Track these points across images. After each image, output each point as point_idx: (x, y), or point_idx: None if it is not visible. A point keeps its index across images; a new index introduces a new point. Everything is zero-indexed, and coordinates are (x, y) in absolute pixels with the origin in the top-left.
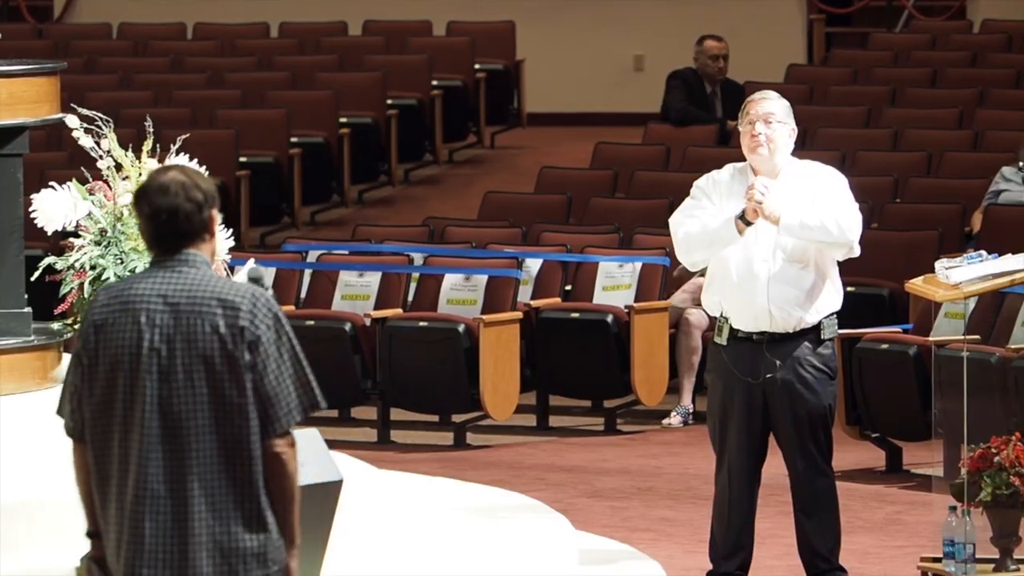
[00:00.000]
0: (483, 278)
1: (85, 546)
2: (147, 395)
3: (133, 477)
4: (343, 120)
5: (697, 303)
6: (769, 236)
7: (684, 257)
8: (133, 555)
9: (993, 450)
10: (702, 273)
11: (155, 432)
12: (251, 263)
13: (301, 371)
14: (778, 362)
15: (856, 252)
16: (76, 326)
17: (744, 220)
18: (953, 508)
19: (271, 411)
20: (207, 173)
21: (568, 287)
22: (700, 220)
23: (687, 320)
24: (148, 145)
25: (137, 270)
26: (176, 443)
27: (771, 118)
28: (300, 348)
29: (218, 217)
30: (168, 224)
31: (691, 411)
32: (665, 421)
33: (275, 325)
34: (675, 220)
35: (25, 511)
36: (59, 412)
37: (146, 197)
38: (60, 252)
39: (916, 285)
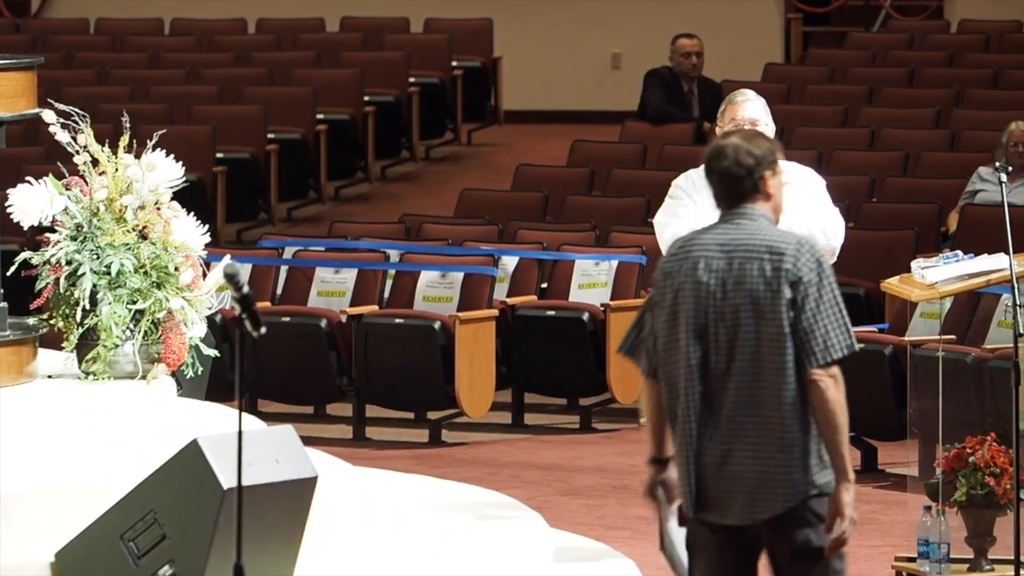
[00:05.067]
0: (459, 275)
1: (61, 541)
2: (706, 332)
3: (693, 406)
4: (320, 117)
5: None
6: None
7: None
8: (691, 476)
9: (968, 450)
10: None
11: (717, 367)
12: (227, 259)
13: (839, 313)
14: None
15: (835, 258)
16: (52, 321)
17: None
18: (928, 508)
19: (808, 344)
20: (183, 169)
21: (544, 285)
22: (687, 222)
23: None
24: (125, 140)
25: (113, 266)
26: (725, 375)
27: (757, 122)
28: (840, 294)
29: (776, 176)
30: (722, 185)
31: None
32: (643, 419)
33: (817, 270)
34: (660, 221)
35: (2, 505)
36: (630, 352)
37: (709, 161)
38: (36, 247)
39: (892, 285)
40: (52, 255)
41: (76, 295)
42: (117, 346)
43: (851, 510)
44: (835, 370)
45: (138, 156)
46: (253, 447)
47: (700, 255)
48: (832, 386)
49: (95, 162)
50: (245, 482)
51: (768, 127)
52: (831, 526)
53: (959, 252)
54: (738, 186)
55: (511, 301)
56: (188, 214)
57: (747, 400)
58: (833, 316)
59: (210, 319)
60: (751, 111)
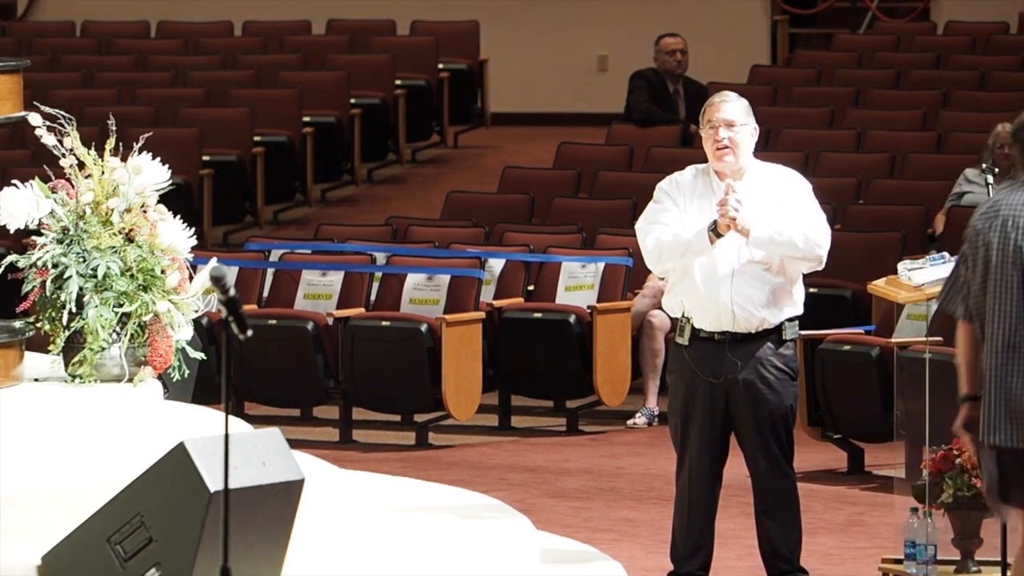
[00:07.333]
0: (446, 278)
1: (48, 544)
2: (1014, 284)
3: (1001, 347)
4: (307, 119)
5: (659, 305)
6: (735, 238)
7: (654, 265)
8: (998, 407)
9: (955, 452)
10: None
11: (1020, 312)
12: (213, 262)
13: None
14: (740, 363)
15: (822, 266)
16: (38, 324)
17: (716, 232)
18: (915, 509)
19: None
20: (169, 172)
21: (531, 287)
22: (671, 229)
23: (650, 323)
24: (111, 143)
25: (99, 269)
26: None
27: (733, 123)
28: None
29: None
30: None
31: (656, 413)
32: (630, 422)
33: None
34: (642, 228)
35: None
36: (945, 301)
37: (1016, 131)
38: (23, 250)
39: (878, 286)
40: (38, 258)
41: (62, 298)
42: (103, 349)
43: None
44: None
45: (124, 159)
46: (240, 450)
47: (1008, 214)
48: None
49: (81, 165)
50: (232, 485)
51: (747, 128)
52: None
53: (945, 254)
54: None
55: (498, 303)
56: (174, 217)
57: None
58: None
59: (196, 322)
60: (727, 112)
